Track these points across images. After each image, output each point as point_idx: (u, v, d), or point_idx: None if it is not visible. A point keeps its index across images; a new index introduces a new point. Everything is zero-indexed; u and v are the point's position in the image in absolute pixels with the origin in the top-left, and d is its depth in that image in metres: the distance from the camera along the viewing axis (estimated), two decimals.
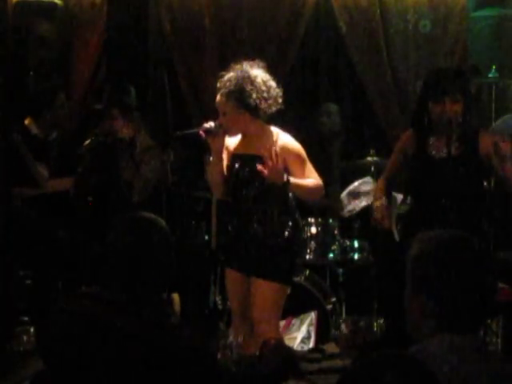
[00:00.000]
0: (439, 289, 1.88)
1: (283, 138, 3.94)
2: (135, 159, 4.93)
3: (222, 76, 3.90)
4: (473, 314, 1.89)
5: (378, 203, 4.15)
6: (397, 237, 4.79)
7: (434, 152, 4.02)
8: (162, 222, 2.62)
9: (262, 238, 3.90)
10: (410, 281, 1.94)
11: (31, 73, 5.60)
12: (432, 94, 3.95)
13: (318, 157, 6.00)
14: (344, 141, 6.03)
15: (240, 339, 3.04)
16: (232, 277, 4.05)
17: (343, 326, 4.91)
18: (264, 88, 3.85)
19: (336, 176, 5.80)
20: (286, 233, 3.91)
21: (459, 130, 3.92)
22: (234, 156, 3.99)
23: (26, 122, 5.20)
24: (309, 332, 4.79)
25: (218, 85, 3.89)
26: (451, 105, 3.89)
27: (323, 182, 3.99)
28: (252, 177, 3.89)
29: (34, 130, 5.19)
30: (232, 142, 4.01)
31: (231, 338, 3.05)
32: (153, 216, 2.62)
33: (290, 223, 3.93)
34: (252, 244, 3.92)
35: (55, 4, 5.90)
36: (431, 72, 4.30)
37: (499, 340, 4.46)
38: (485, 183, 4.25)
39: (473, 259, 1.91)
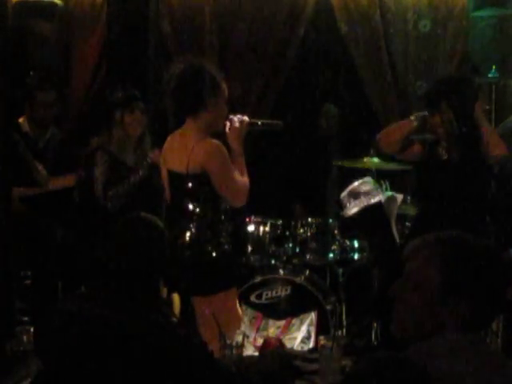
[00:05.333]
0: (444, 288, 1.88)
1: None
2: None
3: None
4: (476, 313, 1.89)
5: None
6: (397, 237, 4.79)
7: (437, 156, 4.12)
8: (159, 222, 2.63)
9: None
10: (411, 279, 1.94)
11: (31, 73, 5.60)
12: (429, 101, 4.10)
13: (317, 158, 6.01)
14: (341, 142, 6.03)
15: (240, 339, 3.03)
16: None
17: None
18: None
19: (334, 178, 5.81)
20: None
21: (456, 133, 3.99)
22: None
23: (20, 120, 5.20)
24: (309, 332, 4.79)
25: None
26: (445, 110, 3.98)
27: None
28: None
29: (26, 127, 5.19)
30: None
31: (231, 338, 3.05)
32: (150, 216, 2.62)
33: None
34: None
35: (55, 4, 5.90)
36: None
37: (499, 340, 4.46)
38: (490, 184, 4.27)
39: (477, 257, 1.92)
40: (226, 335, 3.00)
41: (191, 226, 3.73)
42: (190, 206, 3.73)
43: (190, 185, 3.70)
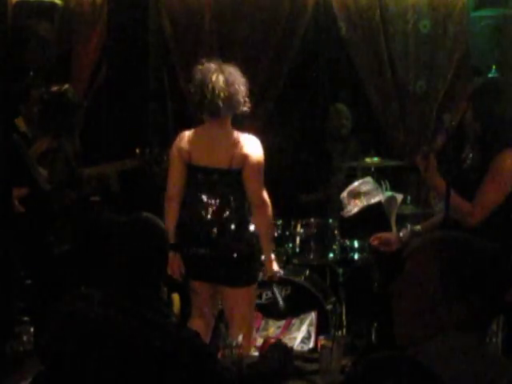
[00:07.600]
0: (444, 288, 1.88)
1: None
2: None
3: None
4: (476, 314, 1.89)
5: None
6: None
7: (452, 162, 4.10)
8: (160, 222, 2.63)
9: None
10: (410, 279, 1.94)
11: (31, 73, 5.60)
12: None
13: (320, 157, 6.02)
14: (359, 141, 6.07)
15: (240, 339, 3.04)
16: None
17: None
18: None
19: (339, 178, 5.82)
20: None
21: (471, 140, 3.97)
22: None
23: (17, 120, 5.20)
24: (309, 332, 4.79)
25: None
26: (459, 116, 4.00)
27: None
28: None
29: (23, 128, 5.18)
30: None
31: (231, 338, 3.05)
32: (150, 216, 2.63)
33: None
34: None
35: (55, 4, 5.90)
36: None
37: (499, 340, 4.46)
38: None
39: (477, 258, 1.92)
40: (227, 335, 3.00)
41: (234, 217, 3.99)
42: (233, 200, 3.99)
43: (233, 179, 3.97)
